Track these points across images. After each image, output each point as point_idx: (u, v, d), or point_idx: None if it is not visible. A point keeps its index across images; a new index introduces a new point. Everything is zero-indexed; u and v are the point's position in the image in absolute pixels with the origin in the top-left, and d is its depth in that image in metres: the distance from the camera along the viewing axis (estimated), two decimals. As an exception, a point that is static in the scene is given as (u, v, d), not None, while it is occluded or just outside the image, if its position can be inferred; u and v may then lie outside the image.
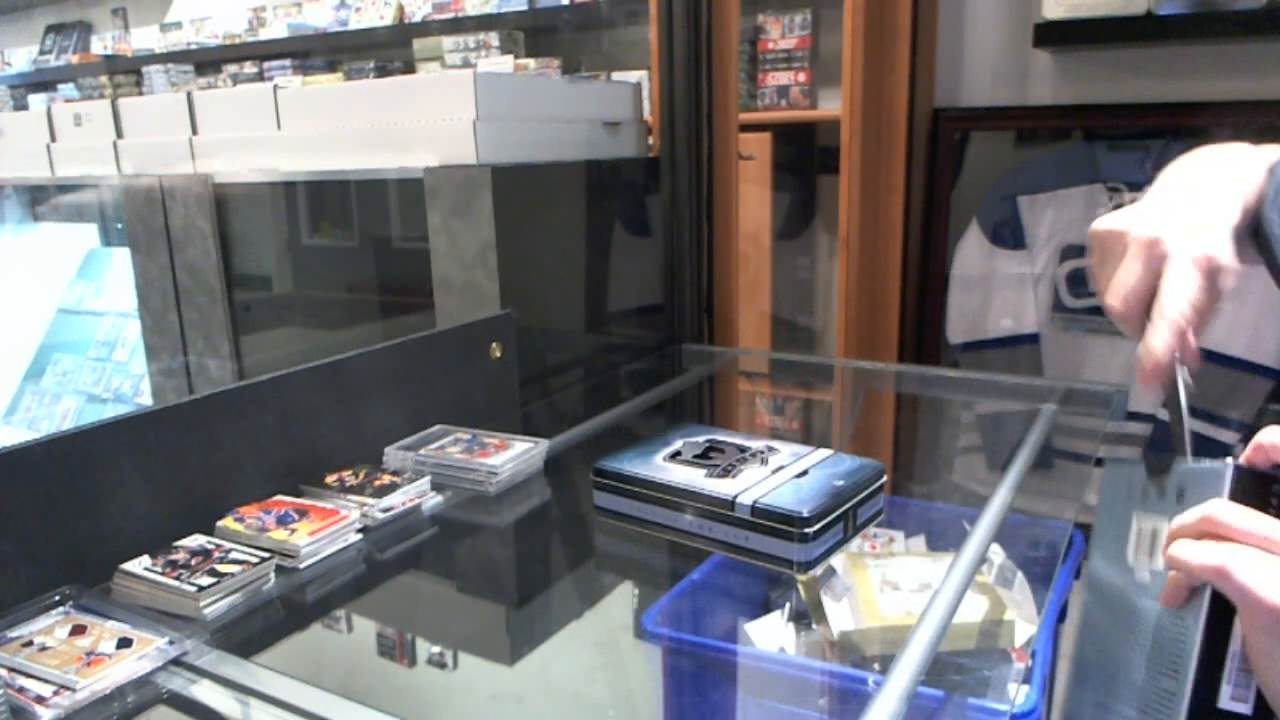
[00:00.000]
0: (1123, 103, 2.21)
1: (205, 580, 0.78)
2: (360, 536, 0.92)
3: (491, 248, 1.32)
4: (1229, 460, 0.59)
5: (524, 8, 3.15)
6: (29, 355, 2.37)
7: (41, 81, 4.69)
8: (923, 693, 0.67)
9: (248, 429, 0.95)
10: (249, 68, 3.95)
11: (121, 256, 2.08)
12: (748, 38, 2.71)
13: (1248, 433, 1.29)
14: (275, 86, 1.60)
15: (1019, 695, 0.82)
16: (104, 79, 4.39)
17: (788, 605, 1.02)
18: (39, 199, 2.42)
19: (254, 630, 0.78)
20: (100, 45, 4.60)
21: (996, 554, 1.03)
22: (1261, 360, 2.01)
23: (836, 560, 1.03)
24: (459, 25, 3.29)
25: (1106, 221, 0.71)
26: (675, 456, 0.88)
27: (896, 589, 0.96)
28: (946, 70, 2.38)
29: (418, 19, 3.41)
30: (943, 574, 0.75)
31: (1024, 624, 0.95)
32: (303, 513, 0.91)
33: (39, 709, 0.64)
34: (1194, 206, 0.69)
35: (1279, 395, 2.00)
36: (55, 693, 0.65)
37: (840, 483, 0.78)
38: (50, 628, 0.73)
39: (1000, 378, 1.42)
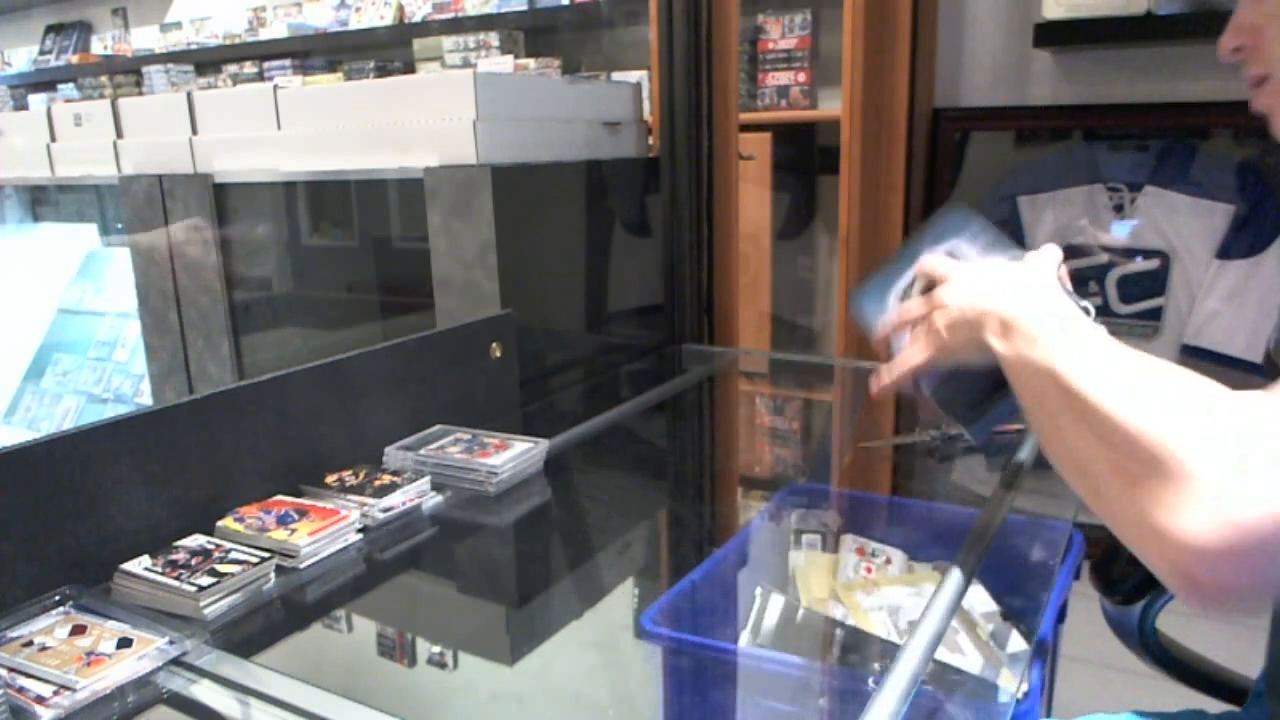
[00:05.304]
0: (1123, 103, 2.21)
1: (205, 580, 0.78)
2: (360, 536, 0.92)
3: (491, 248, 1.32)
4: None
5: (524, 8, 3.15)
6: (29, 355, 2.37)
7: (41, 81, 4.69)
8: (923, 692, 0.67)
9: (248, 429, 0.95)
10: (249, 68, 3.95)
11: (121, 256, 2.08)
12: (748, 38, 2.71)
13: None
14: (275, 86, 1.60)
15: (1019, 690, 0.82)
16: (104, 79, 4.39)
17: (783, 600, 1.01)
18: (39, 199, 2.42)
19: (254, 630, 0.78)
20: (100, 45, 4.60)
21: (987, 605, 1.01)
22: (1261, 360, 2.01)
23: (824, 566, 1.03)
24: (459, 25, 3.29)
25: None
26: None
27: (894, 615, 0.96)
28: (946, 70, 2.38)
29: (418, 19, 3.41)
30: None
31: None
32: (303, 513, 0.91)
33: (39, 709, 0.63)
34: None
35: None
36: (55, 693, 0.65)
37: None
38: (50, 628, 0.73)
39: (1000, 378, 1.41)
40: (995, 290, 0.73)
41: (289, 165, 1.59)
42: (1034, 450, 1.12)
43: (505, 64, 3.18)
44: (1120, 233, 2.14)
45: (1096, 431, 0.57)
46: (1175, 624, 1.00)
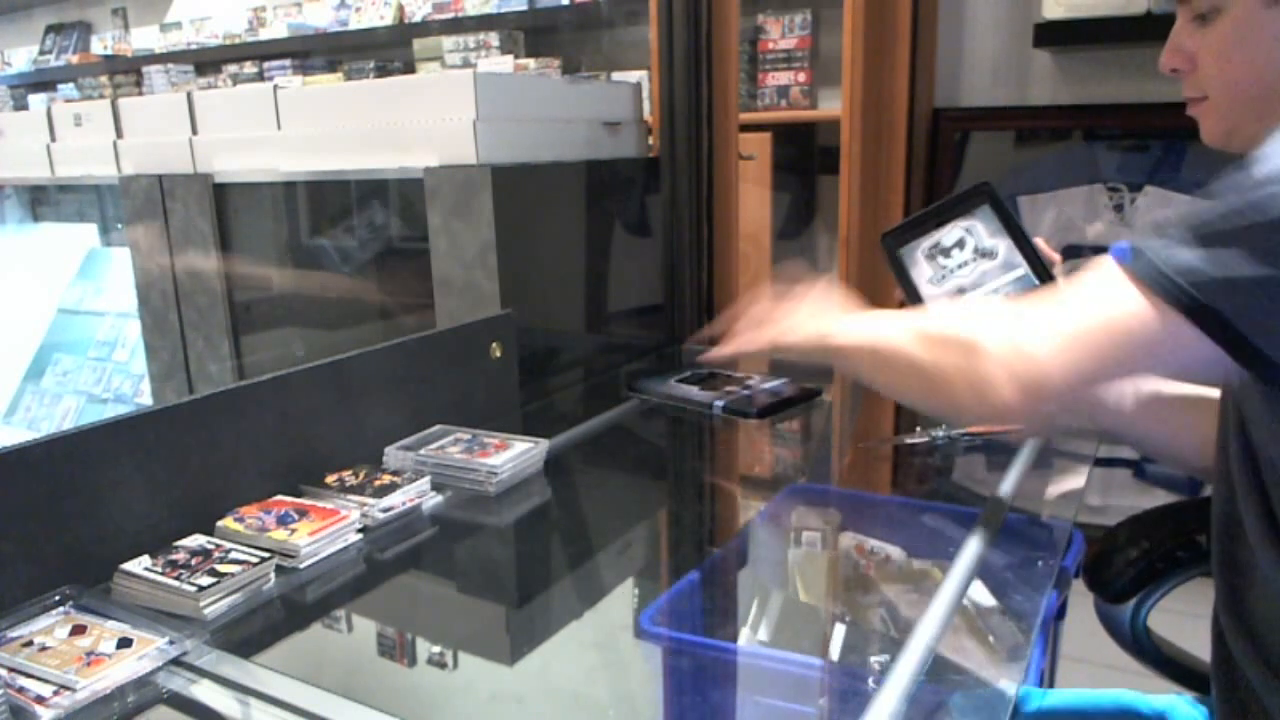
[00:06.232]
0: (1123, 103, 2.21)
1: (205, 580, 0.78)
2: (360, 536, 0.92)
3: (491, 248, 1.32)
4: None
5: (524, 8, 3.15)
6: (29, 355, 2.37)
7: (41, 81, 4.68)
8: (923, 690, 0.67)
9: (248, 429, 0.95)
10: (249, 68, 3.94)
11: (121, 256, 2.08)
12: (748, 38, 2.71)
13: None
14: (275, 86, 1.60)
15: (1019, 688, 0.82)
16: (104, 79, 4.39)
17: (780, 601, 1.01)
18: (39, 199, 2.42)
19: (254, 630, 0.78)
20: (100, 45, 4.59)
21: (986, 598, 1.00)
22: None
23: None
24: (459, 25, 3.29)
25: None
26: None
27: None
28: (946, 70, 2.38)
29: (418, 19, 3.41)
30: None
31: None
32: (303, 513, 0.91)
33: (39, 709, 0.64)
34: None
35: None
36: (55, 693, 0.65)
37: None
38: (50, 628, 0.73)
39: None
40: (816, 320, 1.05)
41: (289, 165, 1.59)
42: (1034, 451, 1.12)
43: (505, 64, 3.18)
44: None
45: (921, 356, 0.81)
46: (1166, 623, 1.00)
